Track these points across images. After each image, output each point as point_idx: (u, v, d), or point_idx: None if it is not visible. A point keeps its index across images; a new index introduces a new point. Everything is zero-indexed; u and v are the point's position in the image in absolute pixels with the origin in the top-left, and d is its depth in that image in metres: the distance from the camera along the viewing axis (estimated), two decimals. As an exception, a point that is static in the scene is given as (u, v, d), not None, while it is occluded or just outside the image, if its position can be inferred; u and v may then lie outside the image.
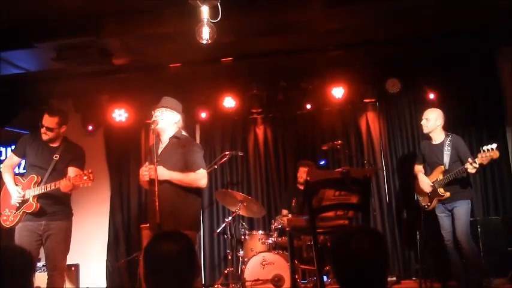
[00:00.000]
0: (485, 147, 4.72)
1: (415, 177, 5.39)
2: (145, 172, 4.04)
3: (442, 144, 5.12)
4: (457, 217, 4.94)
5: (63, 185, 4.21)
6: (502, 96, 6.42)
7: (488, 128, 6.44)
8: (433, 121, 5.15)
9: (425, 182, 5.16)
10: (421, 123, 5.25)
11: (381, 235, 2.09)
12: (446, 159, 5.04)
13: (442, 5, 4.91)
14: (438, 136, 5.17)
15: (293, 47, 5.94)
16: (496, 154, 4.69)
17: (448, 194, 4.99)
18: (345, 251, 1.99)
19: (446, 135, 5.15)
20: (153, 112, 4.18)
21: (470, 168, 4.72)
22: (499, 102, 6.38)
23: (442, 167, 5.05)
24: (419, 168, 5.35)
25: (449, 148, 5.05)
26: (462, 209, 4.94)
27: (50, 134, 4.43)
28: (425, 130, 5.22)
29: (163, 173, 3.96)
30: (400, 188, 6.77)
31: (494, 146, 4.69)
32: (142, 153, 7.07)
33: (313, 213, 3.97)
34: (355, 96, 6.76)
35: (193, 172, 4.06)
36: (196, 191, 4.15)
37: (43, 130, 4.42)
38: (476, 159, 4.70)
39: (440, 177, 5.03)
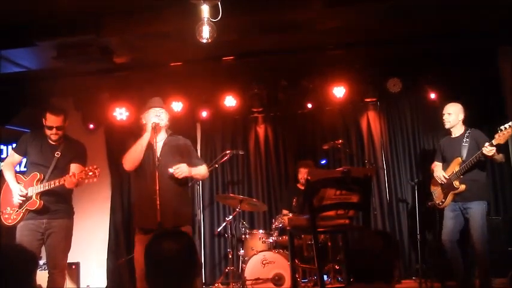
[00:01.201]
0: (502, 127, 4.69)
1: (431, 175, 5.32)
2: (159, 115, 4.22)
3: (461, 137, 5.07)
4: (472, 218, 4.86)
5: (68, 181, 4.22)
6: (503, 96, 6.41)
7: (489, 128, 6.41)
8: (454, 115, 5.10)
9: (440, 174, 5.07)
10: (443, 118, 5.17)
11: (390, 236, 2.32)
12: (464, 150, 4.97)
13: (442, 5, 4.90)
14: (458, 130, 5.12)
15: (294, 46, 5.93)
16: None
17: (463, 187, 4.89)
18: (358, 247, 2.19)
19: (466, 129, 5.10)
20: (148, 111, 4.26)
21: (487, 150, 4.66)
22: (499, 102, 6.37)
23: (459, 158, 4.97)
24: (436, 164, 5.27)
25: (467, 140, 4.99)
26: (477, 210, 4.85)
27: (60, 133, 4.45)
28: (448, 125, 5.15)
29: (190, 170, 4.16)
30: (401, 187, 6.78)
31: (511, 123, 4.66)
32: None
33: (314, 213, 3.98)
34: (356, 96, 6.76)
35: (201, 166, 4.36)
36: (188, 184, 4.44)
37: (53, 131, 4.41)
38: (493, 141, 4.67)
39: (457, 168, 4.95)
